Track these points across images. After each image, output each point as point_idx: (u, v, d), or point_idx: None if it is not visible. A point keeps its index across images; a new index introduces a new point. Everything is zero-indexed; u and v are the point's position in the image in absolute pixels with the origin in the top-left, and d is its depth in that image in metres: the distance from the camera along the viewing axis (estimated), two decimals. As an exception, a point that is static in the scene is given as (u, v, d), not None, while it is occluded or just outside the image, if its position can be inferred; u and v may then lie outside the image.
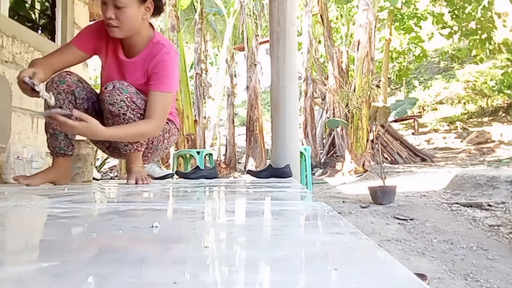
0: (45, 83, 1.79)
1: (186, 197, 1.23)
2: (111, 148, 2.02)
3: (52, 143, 1.88)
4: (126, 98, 1.74)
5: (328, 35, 9.36)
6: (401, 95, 16.06)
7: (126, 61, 1.85)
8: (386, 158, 8.91)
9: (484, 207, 3.85)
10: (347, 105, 6.68)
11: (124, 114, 1.74)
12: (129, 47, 1.84)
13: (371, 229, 3.22)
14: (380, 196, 4.26)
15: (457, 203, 4.06)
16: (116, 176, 9.16)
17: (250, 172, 2.80)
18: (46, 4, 3.87)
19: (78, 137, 1.94)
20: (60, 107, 1.75)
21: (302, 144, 8.42)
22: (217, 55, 17.58)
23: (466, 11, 9.44)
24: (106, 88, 1.75)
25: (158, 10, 1.83)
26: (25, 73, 1.53)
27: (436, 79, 17.28)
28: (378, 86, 10.83)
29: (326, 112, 9.86)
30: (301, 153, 3.70)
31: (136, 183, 1.82)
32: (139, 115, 1.78)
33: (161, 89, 1.80)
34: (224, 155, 11.19)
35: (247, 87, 8.82)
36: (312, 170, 7.32)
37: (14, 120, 3.09)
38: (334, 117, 8.81)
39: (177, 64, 1.90)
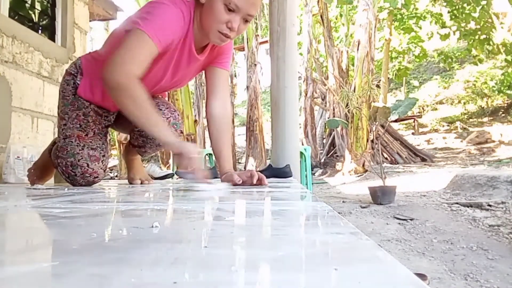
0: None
1: (186, 197, 1.23)
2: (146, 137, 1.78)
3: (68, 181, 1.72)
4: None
5: (328, 35, 9.36)
6: (401, 95, 16.07)
7: (196, 58, 1.57)
8: (386, 158, 8.91)
9: (484, 207, 3.85)
10: (347, 105, 6.68)
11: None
12: (200, 44, 1.56)
13: (371, 229, 3.22)
14: (380, 196, 4.26)
15: (457, 203, 4.06)
16: (116, 176, 9.15)
17: (250, 172, 2.80)
18: (46, 4, 3.87)
19: None
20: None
21: (302, 144, 8.41)
22: (217, 55, 17.54)
23: (465, 12, 9.43)
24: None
25: None
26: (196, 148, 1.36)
27: (436, 79, 17.29)
28: (378, 86, 10.83)
29: (326, 112, 9.86)
30: (301, 153, 3.70)
31: (142, 183, 1.84)
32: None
33: (229, 68, 1.71)
34: (224, 155, 11.16)
35: (247, 87, 8.81)
36: (312, 170, 7.32)
37: (14, 120, 3.09)
38: (334, 117, 8.80)
39: None
